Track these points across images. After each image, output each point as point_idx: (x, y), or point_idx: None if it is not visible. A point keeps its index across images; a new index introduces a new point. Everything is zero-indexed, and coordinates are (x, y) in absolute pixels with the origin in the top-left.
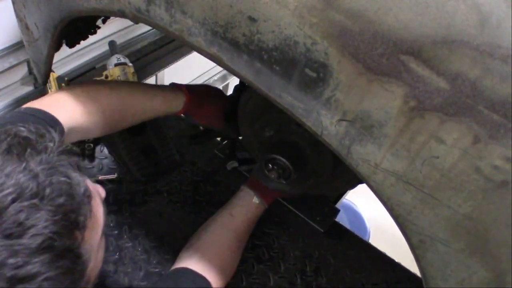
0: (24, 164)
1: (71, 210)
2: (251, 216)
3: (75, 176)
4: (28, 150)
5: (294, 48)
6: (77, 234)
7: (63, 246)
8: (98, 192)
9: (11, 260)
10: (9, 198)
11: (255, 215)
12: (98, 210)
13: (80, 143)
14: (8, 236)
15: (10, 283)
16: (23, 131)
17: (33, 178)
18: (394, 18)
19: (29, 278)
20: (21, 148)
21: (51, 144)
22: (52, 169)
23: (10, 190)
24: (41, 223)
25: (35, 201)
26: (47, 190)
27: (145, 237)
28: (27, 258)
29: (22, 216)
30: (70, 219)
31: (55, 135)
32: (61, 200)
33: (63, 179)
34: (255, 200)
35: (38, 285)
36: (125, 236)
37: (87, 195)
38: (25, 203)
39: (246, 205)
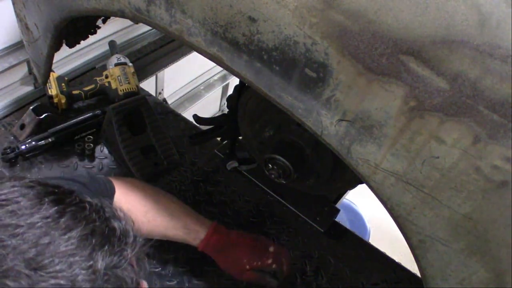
0: (91, 262)
1: None
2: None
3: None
4: (107, 246)
5: (294, 48)
6: None
7: None
8: None
9: None
10: None
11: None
12: None
13: (80, 143)
14: None
15: None
16: (114, 220)
17: (90, 281)
18: (394, 18)
19: None
20: (101, 239)
21: (128, 251)
22: (113, 277)
23: (62, 282)
24: None
25: None
26: None
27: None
28: None
29: None
30: None
31: (137, 242)
32: None
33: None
34: None
35: None
36: None
37: None
38: None
39: None
